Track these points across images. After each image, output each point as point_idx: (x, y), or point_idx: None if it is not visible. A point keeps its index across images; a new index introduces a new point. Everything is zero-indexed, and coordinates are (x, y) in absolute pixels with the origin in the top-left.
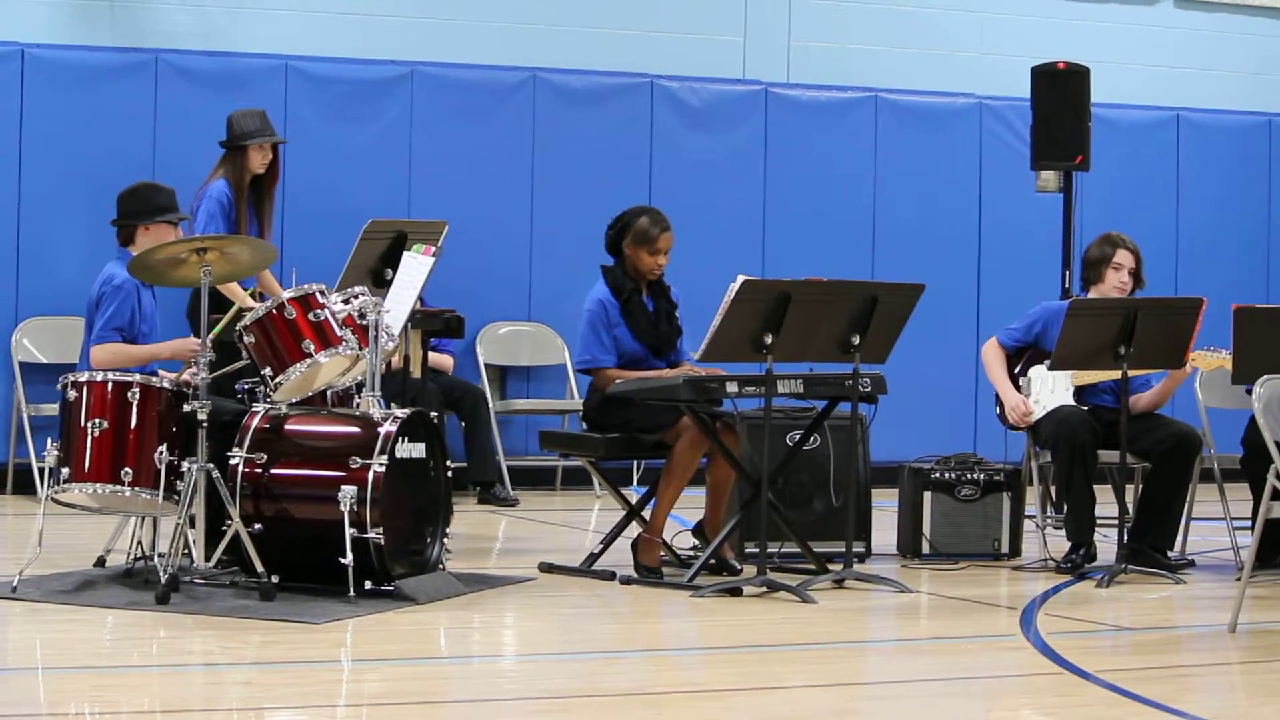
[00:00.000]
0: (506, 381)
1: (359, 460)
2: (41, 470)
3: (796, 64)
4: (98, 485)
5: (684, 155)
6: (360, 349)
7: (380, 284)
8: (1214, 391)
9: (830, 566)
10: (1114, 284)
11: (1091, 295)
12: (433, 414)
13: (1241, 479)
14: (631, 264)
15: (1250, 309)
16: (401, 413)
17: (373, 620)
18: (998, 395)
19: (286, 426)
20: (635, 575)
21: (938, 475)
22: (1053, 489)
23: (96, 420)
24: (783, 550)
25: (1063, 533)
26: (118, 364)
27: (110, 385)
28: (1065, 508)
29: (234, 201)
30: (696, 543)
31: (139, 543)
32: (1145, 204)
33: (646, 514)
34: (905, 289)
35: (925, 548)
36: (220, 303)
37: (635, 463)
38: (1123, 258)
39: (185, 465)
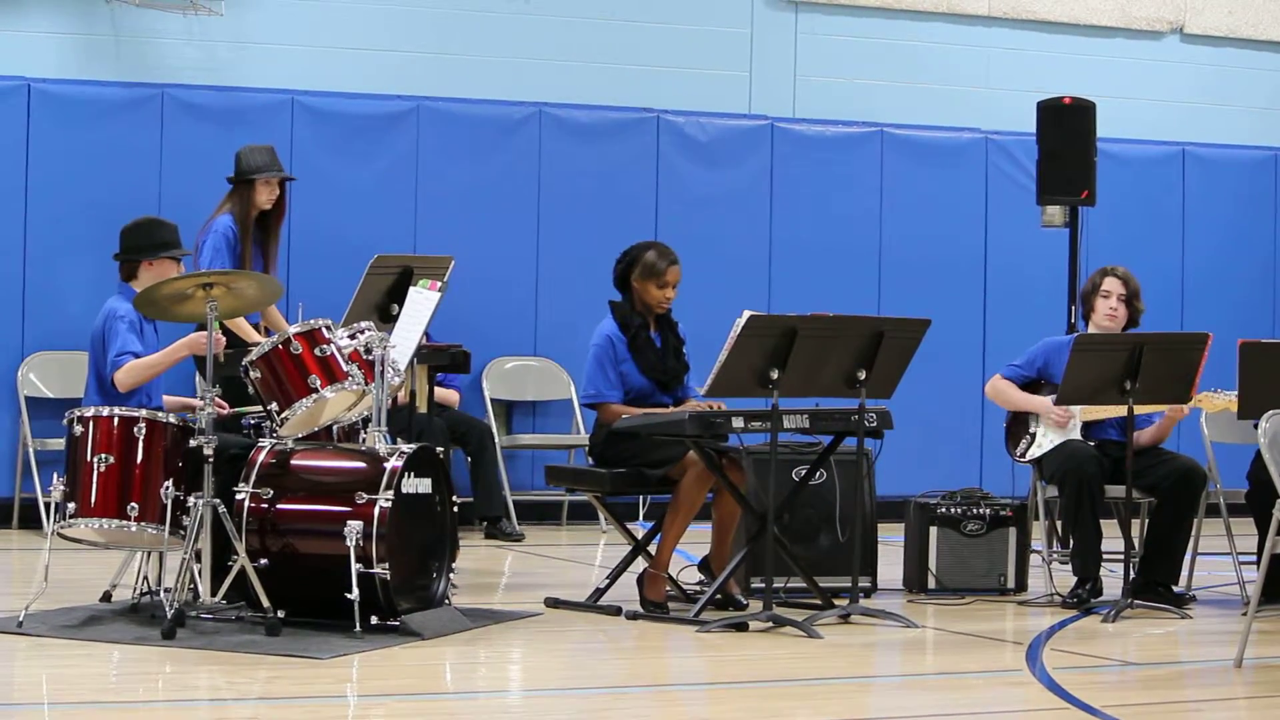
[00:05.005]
0: (512, 416)
1: (365, 495)
2: (47, 505)
3: (802, 98)
4: (104, 520)
5: (690, 190)
6: (366, 384)
7: (386, 319)
8: (1220, 426)
9: (836, 601)
10: (1104, 312)
11: (1091, 330)
12: (439, 449)
13: (1247, 514)
14: (640, 298)
15: (1256, 344)
16: (407, 448)
17: (378, 655)
18: (1007, 428)
19: (292, 462)
20: (641, 610)
21: (944, 510)
22: (1059, 524)
23: (102, 455)
24: (788, 585)
25: (1069, 567)
26: (141, 378)
27: (116, 420)
28: (1072, 543)
29: (239, 236)
30: (702, 578)
31: (145, 578)
32: (1151, 239)
33: (652, 549)
34: (911, 324)
35: (931, 583)
36: (228, 339)
37: (641, 498)
38: (1110, 285)
39: (191, 500)
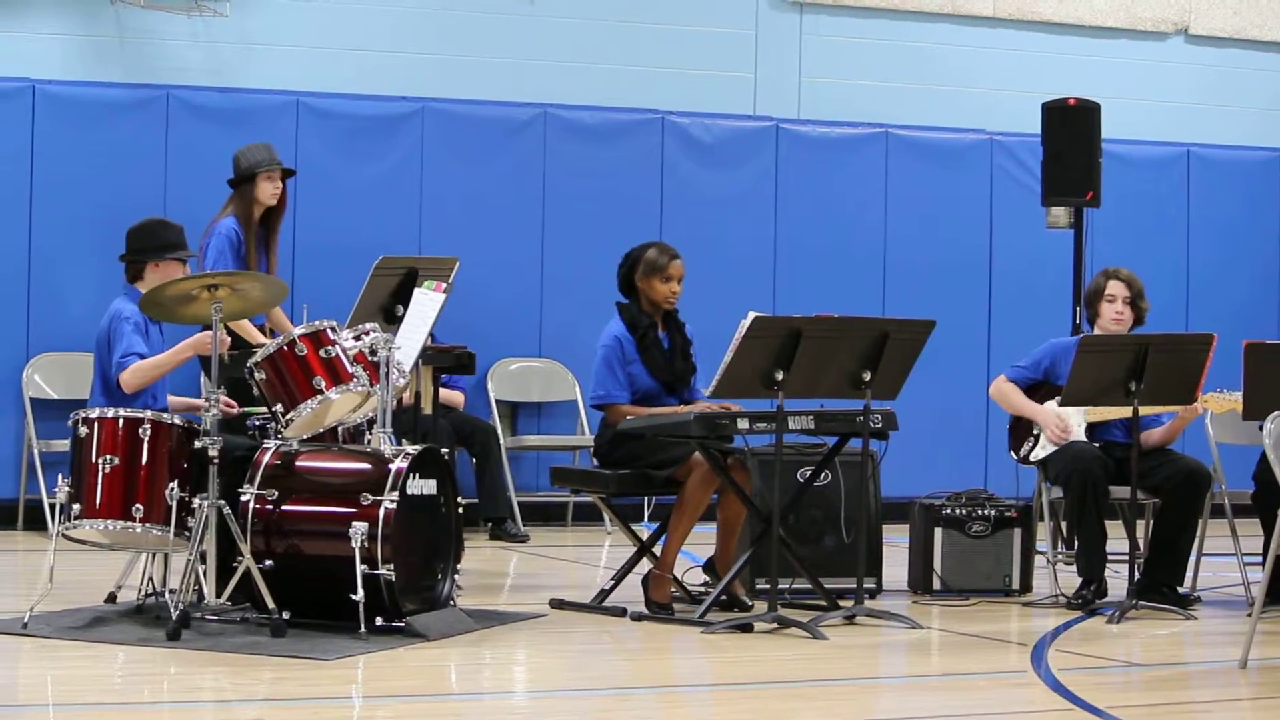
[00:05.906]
0: (517, 417)
1: (370, 497)
2: (52, 506)
3: (808, 100)
4: (109, 521)
5: (695, 191)
6: (371, 385)
7: (391, 320)
8: (1225, 427)
9: (841, 603)
10: (1110, 316)
11: (1095, 331)
12: (444, 450)
13: (1253, 514)
14: (646, 296)
15: (1261, 345)
16: (412, 449)
17: (383, 657)
18: (1010, 430)
19: (297, 463)
20: (646, 611)
21: (949, 511)
22: (1064, 525)
23: (107, 456)
24: (794, 586)
25: (1074, 568)
26: (147, 379)
27: (121, 422)
28: (1076, 543)
29: (243, 238)
30: (708, 579)
31: (150, 579)
32: (1156, 240)
33: (658, 550)
34: (916, 325)
35: (936, 584)
36: (233, 340)
37: (646, 499)
38: (1115, 288)
39: (196, 501)
